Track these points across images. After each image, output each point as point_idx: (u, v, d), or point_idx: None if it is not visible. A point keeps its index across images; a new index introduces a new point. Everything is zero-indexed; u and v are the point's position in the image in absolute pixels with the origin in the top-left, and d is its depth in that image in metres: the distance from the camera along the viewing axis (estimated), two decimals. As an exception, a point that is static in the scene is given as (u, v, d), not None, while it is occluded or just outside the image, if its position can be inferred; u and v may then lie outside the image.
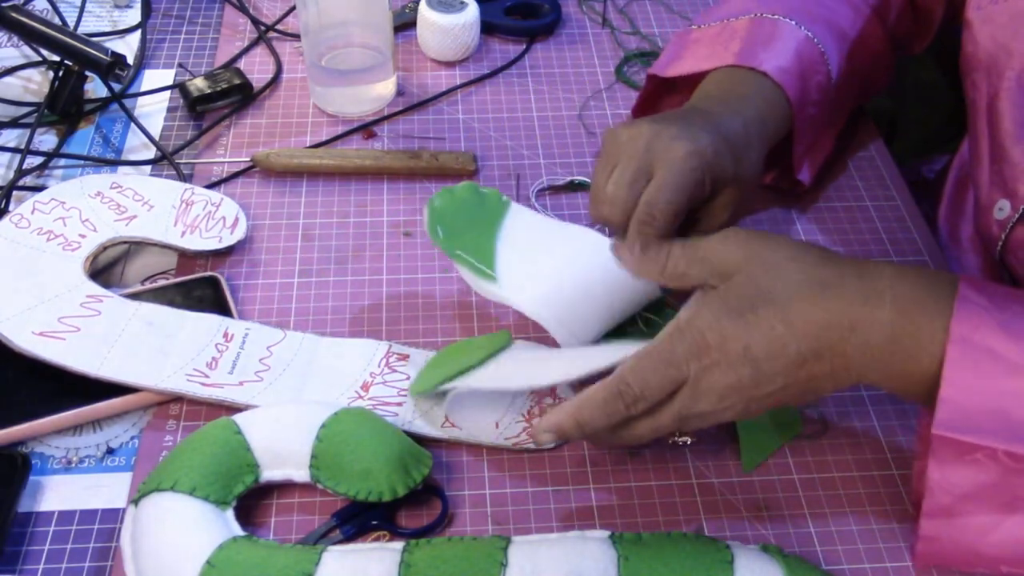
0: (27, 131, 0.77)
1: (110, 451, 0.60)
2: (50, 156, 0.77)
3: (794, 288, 0.50)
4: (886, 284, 0.49)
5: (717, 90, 0.67)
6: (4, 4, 0.77)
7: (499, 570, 0.51)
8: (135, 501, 0.54)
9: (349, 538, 0.55)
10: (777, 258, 0.51)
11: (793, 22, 0.70)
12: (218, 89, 0.81)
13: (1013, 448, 0.46)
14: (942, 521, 0.50)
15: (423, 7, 0.86)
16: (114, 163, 0.77)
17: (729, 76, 0.68)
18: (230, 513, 0.54)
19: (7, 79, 0.84)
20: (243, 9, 0.92)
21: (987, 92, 0.66)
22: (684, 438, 0.59)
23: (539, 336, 0.64)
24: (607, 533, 0.53)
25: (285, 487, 0.58)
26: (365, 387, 0.61)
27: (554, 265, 0.63)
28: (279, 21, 0.91)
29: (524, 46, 0.90)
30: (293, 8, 0.91)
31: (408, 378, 0.62)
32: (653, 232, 0.58)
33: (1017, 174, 0.62)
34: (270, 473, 0.56)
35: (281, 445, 0.56)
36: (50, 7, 0.89)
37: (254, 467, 0.56)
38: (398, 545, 0.53)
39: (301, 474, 0.56)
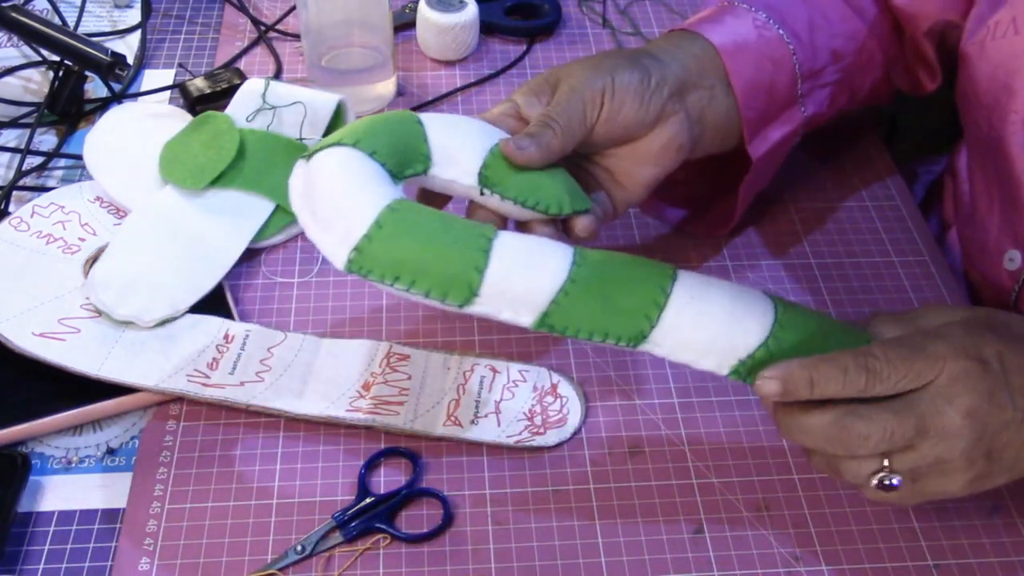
0: (27, 131, 0.78)
1: (110, 451, 0.60)
2: (50, 156, 0.77)
3: None
4: None
5: (653, 45, 0.64)
6: (4, 4, 0.77)
7: (663, 295, 0.51)
8: (307, 156, 0.53)
9: (350, 540, 0.55)
10: (1002, 314, 0.52)
11: (754, 9, 0.65)
12: (218, 89, 0.81)
13: None
14: None
15: (423, 7, 0.86)
16: (114, 163, 0.77)
17: (669, 36, 0.65)
18: (402, 186, 0.54)
19: (7, 79, 0.84)
20: (243, 9, 0.92)
21: (989, 134, 0.64)
22: (895, 476, 0.49)
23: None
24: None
25: (286, 487, 0.58)
26: (366, 387, 0.61)
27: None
28: (279, 21, 0.91)
29: (524, 46, 0.90)
30: (293, 8, 0.91)
31: (410, 378, 0.62)
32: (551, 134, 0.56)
33: None
34: (439, 170, 0.56)
35: (457, 145, 0.56)
36: (50, 7, 0.89)
37: (426, 158, 0.55)
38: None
39: (469, 179, 0.56)
